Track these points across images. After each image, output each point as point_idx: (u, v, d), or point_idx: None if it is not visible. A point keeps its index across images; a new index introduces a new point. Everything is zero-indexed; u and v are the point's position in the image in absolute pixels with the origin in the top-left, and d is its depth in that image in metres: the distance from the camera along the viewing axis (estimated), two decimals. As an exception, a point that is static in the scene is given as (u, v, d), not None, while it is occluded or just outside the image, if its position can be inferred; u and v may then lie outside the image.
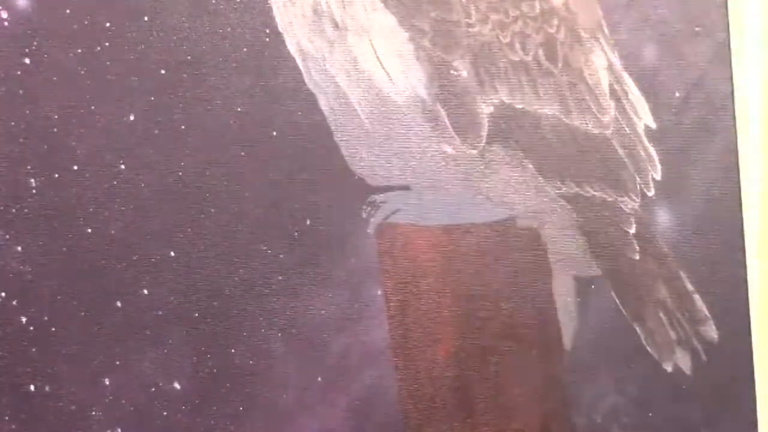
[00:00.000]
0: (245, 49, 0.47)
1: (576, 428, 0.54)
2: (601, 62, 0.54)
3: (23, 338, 0.43)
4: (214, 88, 0.47)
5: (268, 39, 0.48)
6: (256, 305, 0.47)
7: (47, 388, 0.43)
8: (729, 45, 0.57)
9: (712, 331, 0.56)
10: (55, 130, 0.44)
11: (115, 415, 0.44)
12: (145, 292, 0.45)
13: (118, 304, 0.45)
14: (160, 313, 0.45)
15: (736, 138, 0.56)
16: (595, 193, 0.54)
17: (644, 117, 0.55)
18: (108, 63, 0.45)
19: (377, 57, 0.50)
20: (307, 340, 0.48)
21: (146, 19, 0.45)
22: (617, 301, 0.54)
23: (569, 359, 0.53)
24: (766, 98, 0.57)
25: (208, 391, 0.46)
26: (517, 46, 0.52)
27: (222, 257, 0.46)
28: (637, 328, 0.54)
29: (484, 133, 0.52)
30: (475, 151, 0.52)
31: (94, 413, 0.44)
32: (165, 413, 0.45)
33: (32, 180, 0.43)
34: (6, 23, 0.43)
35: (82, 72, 0.44)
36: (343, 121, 0.49)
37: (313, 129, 0.49)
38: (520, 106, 0.52)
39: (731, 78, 0.57)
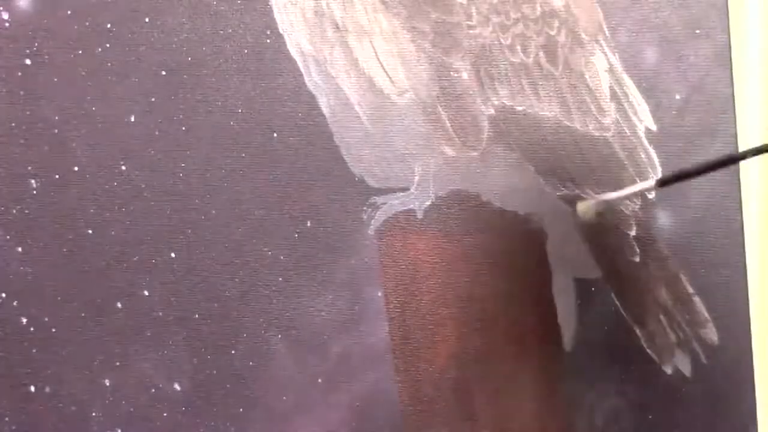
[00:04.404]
0: (246, 51, 0.47)
1: (576, 430, 0.54)
2: (601, 64, 0.54)
3: (23, 339, 0.43)
4: (214, 90, 0.47)
5: (269, 40, 0.48)
6: (256, 306, 0.47)
7: (47, 389, 0.43)
8: (729, 47, 0.57)
9: (712, 334, 0.56)
10: (56, 131, 0.44)
11: (115, 416, 0.44)
12: (146, 293, 0.45)
13: (119, 305, 0.45)
14: (161, 314, 0.45)
15: (737, 140, 0.56)
16: (596, 195, 0.54)
17: (645, 119, 0.55)
18: (109, 64, 0.45)
19: (378, 58, 0.50)
20: (308, 342, 0.48)
21: (147, 20, 0.45)
22: (617, 303, 0.54)
23: (569, 361, 0.53)
24: (766, 100, 0.57)
25: (208, 392, 0.46)
26: (518, 48, 0.52)
27: (222, 258, 0.46)
28: (637, 330, 0.55)
29: (485, 135, 0.52)
30: (475, 153, 0.52)
31: (94, 414, 0.44)
32: (165, 414, 0.45)
33: (33, 181, 0.43)
34: (7, 24, 0.43)
35: (83, 73, 0.44)
36: (343, 122, 0.49)
37: (313, 130, 0.49)
38: (520, 108, 0.52)
39: (732, 80, 0.57)
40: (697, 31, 0.56)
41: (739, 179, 0.56)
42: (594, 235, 0.54)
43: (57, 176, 0.44)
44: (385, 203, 0.50)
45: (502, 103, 0.52)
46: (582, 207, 0.49)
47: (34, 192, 0.43)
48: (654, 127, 0.55)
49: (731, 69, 0.56)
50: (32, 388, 0.43)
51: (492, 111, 0.52)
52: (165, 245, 0.46)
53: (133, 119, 0.45)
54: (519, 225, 0.53)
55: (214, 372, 0.46)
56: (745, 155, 0.41)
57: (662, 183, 0.45)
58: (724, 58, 0.56)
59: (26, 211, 0.43)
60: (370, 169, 0.50)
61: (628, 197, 0.48)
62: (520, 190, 0.53)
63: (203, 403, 0.46)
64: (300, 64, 0.48)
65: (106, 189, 0.45)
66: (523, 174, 0.53)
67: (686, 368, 0.55)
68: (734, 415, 0.57)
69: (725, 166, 0.43)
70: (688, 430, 0.56)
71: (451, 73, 0.51)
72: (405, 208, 0.50)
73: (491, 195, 0.52)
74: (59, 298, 0.44)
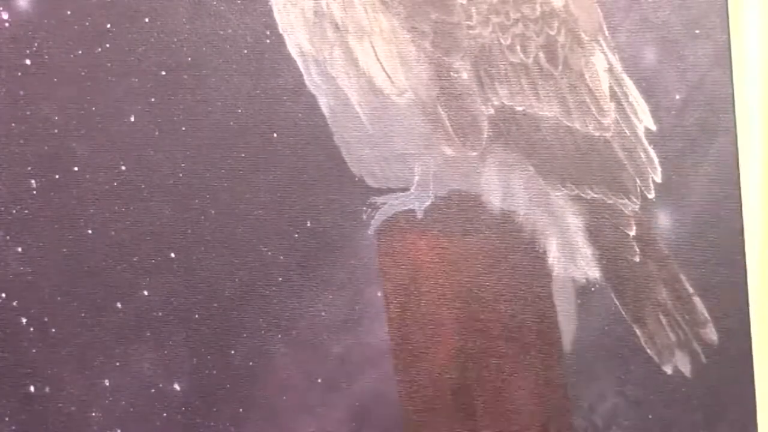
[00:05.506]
0: (246, 51, 0.47)
1: (576, 430, 0.54)
2: (601, 64, 0.54)
3: (23, 339, 0.43)
4: (214, 90, 0.47)
5: (268, 40, 0.48)
6: (256, 306, 0.47)
7: (47, 389, 0.44)
8: (729, 47, 0.57)
9: (711, 334, 0.56)
10: (56, 131, 0.44)
11: (115, 416, 0.44)
12: (145, 293, 0.45)
13: (118, 305, 0.45)
14: (160, 314, 0.45)
15: (737, 140, 0.56)
16: (595, 196, 0.54)
17: (644, 119, 0.55)
18: (108, 64, 0.45)
19: (378, 58, 0.50)
20: (307, 342, 0.48)
21: (147, 20, 0.45)
22: (617, 303, 0.54)
23: (569, 361, 0.53)
24: (766, 100, 0.57)
25: (208, 392, 0.46)
26: (518, 48, 0.52)
27: (222, 258, 0.46)
28: (637, 330, 0.54)
29: (485, 135, 0.52)
30: (475, 153, 0.52)
31: (94, 414, 0.44)
32: (165, 414, 0.45)
33: (33, 181, 0.43)
34: (7, 24, 0.43)
35: (83, 73, 0.44)
36: (343, 122, 0.49)
37: (313, 130, 0.49)
38: (520, 108, 0.52)
39: (731, 80, 0.57)
40: (697, 31, 0.56)
41: (739, 179, 0.56)
42: (594, 236, 0.54)
43: (57, 177, 0.44)
44: (384, 203, 0.50)
45: (502, 103, 0.52)
46: None
47: (34, 192, 0.43)
48: (654, 127, 0.55)
49: (731, 69, 0.56)
50: (32, 388, 0.43)
51: (492, 111, 0.52)
52: (165, 245, 0.46)
53: (133, 119, 0.45)
54: (519, 225, 0.53)
55: (214, 372, 0.46)
56: None
57: None
58: (724, 58, 0.56)
59: (26, 211, 0.43)
60: (369, 169, 0.50)
61: None
62: (520, 190, 0.53)
63: (203, 403, 0.46)
64: (300, 64, 0.48)
65: (106, 190, 0.45)
66: (523, 174, 0.53)
67: (686, 368, 0.55)
68: (734, 415, 0.56)
69: None
70: (688, 430, 0.56)
71: (451, 73, 0.51)
72: (405, 208, 0.50)
73: (491, 195, 0.52)
74: (59, 298, 0.44)
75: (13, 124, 0.43)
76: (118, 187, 0.45)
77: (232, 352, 0.47)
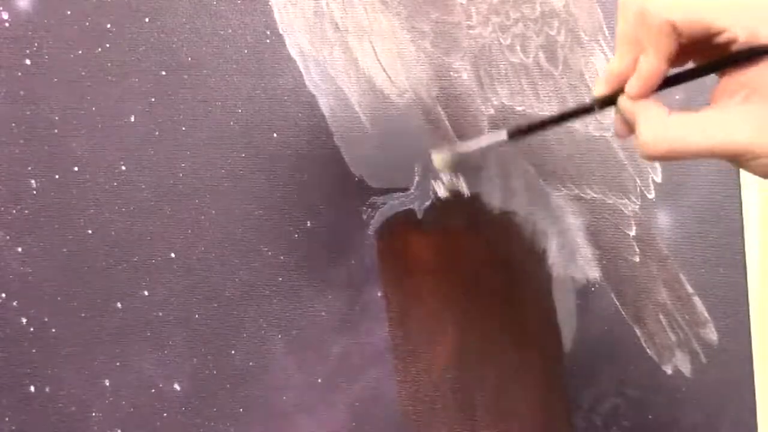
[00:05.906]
0: (246, 51, 0.47)
1: (576, 430, 0.54)
2: (601, 64, 0.54)
3: (23, 339, 0.43)
4: (214, 90, 0.47)
5: (268, 41, 0.48)
6: (256, 306, 0.47)
7: (47, 389, 0.43)
8: (729, 47, 0.56)
9: (712, 334, 0.56)
10: (56, 131, 0.44)
11: (115, 416, 0.44)
12: (146, 293, 0.45)
13: (119, 305, 0.45)
14: (161, 314, 0.45)
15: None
16: (596, 196, 0.54)
17: (644, 119, 0.55)
18: (109, 64, 0.45)
19: (378, 58, 0.50)
20: (307, 342, 0.48)
21: (147, 20, 0.45)
22: (617, 303, 0.54)
23: (569, 361, 0.53)
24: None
25: (208, 392, 0.46)
26: (518, 48, 0.52)
27: (222, 259, 0.46)
28: (637, 331, 0.55)
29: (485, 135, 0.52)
30: (475, 153, 0.52)
31: (94, 414, 0.44)
32: (165, 414, 0.45)
33: (33, 181, 0.43)
34: (7, 24, 0.43)
35: (83, 73, 0.44)
36: (343, 122, 0.49)
37: (313, 130, 0.49)
38: (520, 108, 0.52)
39: (732, 80, 0.57)
40: (697, 31, 0.56)
41: (739, 179, 0.56)
42: (594, 235, 0.54)
43: (57, 177, 0.44)
44: (385, 203, 0.50)
45: (502, 103, 0.52)
46: (437, 159, 0.46)
47: (34, 192, 0.43)
48: (654, 127, 0.55)
49: (731, 69, 0.56)
50: (32, 388, 0.43)
51: (492, 111, 0.52)
52: (165, 246, 0.46)
53: (133, 119, 0.45)
54: (519, 225, 0.53)
55: (214, 372, 0.46)
56: (592, 107, 0.39)
57: (512, 135, 0.43)
58: (723, 58, 0.56)
59: (26, 211, 0.43)
60: (370, 169, 0.50)
61: (481, 149, 0.44)
62: (520, 190, 0.53)
63: (203, 403, 0.46)
64: (300, 65, 0.48)
65: (107, 190, 0.45)
66: (523, 174, 0.53)
67: (686, 368, 0.55)
68: (734, 415, 0.57)
69: (574, 117, 0.41)
70: (689, 430, 0.56)
71: (451, 73, 0.51)
72: (405, 208, 0.50)
73: (491, 195, 0.52)
74: (59, 298, 0.44)
75: (13, 124, 0.43)
76: (119, 187, 0.45)
77: (232, 352, 0.47)
